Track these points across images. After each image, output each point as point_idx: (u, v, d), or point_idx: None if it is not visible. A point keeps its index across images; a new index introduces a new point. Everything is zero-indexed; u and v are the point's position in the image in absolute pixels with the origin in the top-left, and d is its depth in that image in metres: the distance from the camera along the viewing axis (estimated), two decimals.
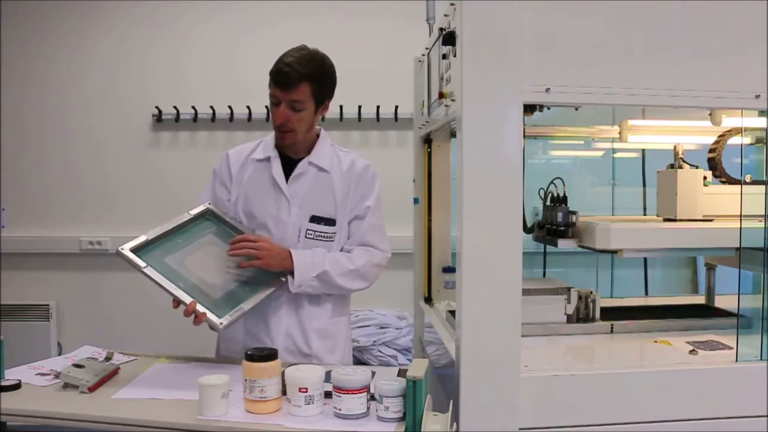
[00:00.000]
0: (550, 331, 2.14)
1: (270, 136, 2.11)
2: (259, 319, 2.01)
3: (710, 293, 2.53)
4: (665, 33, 1.77)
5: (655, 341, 2.06)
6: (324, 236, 2.03)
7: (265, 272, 1.96)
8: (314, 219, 2.02)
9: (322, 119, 2.09)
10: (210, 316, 1.78)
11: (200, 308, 1.77)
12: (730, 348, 1.91)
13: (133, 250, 1.81)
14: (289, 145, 2.02)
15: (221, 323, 1.78)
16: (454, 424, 1.58)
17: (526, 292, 1.72)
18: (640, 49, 1.76)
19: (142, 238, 1.84)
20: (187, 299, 1.77)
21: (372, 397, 1.52)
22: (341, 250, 2.06)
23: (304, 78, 1.92)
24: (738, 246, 1.93)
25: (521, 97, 1.67)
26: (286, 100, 1.94)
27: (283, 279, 1.97)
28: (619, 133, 2.45)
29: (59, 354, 3.56)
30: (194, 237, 1.96)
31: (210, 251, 1.95)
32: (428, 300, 2.76)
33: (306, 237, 2.01)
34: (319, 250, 2.00)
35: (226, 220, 2.03)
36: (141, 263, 1.78)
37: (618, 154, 3.20)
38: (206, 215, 2.03)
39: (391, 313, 3.71)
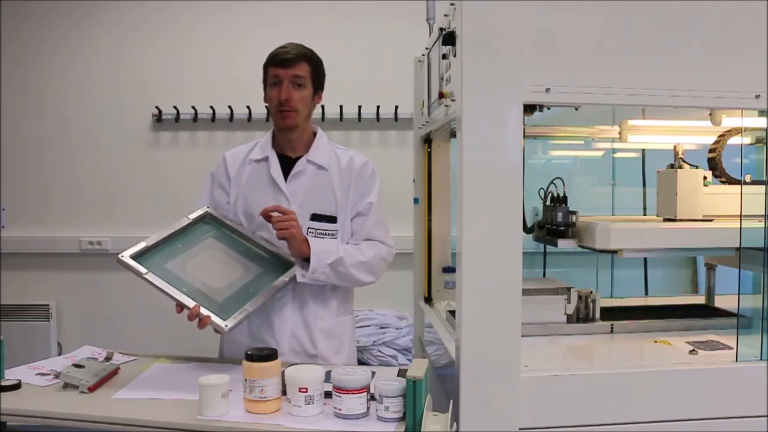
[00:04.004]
0: (550, 331, 2.14)
1: (266, 137, 2.11)
2: (263, 321, 2.00)
3: (710, 293, 2.53)
4: (665, 33, 1.77)
5: (655, 341, 2.06)
6: (326, 233, 2.02)
7: (268, 273, 1.96)
8: (315, 217, 2.02)
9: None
10: (214, 318, 1.77)
11: (204, 311, 1.77)
12: (730, 348, 1.91)
13: (133, 257, 1.80)
14: (291, 126, 2.01)
15: (226, 325, 1.78)
16: (454, 424, 1.58)
17: (526, 292, 1.72)
18: (640, 49, 1.76)
19: (142, 245, 1.84)
20: (190, 303, 1.77)
21: (372, 397, 1.52)
22: None
23: (303, 57, 2.01)
24: (738, 246, 1.93)
25: (521, 97, 1.67)
26: (288, 77, 1.97)
27: (287, 279, 1.96)
28: (619, 133, 2.45)
29: (59, 354, 3.56)
30: (194, 241, 1.95)
31: (211, 255, 1.95)
32: (428, 300, 2.76)
33: (308, 235, 2.00)
34: (332, 240, 2.01)
35: (226, 223, 2.03)
36: (142, 269, 1.78)
37: (618, 154, 3.20)
38: (205, 219, 2.02)
39: (391, 313, 3.71)
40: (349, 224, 2.06)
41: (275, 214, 1.92)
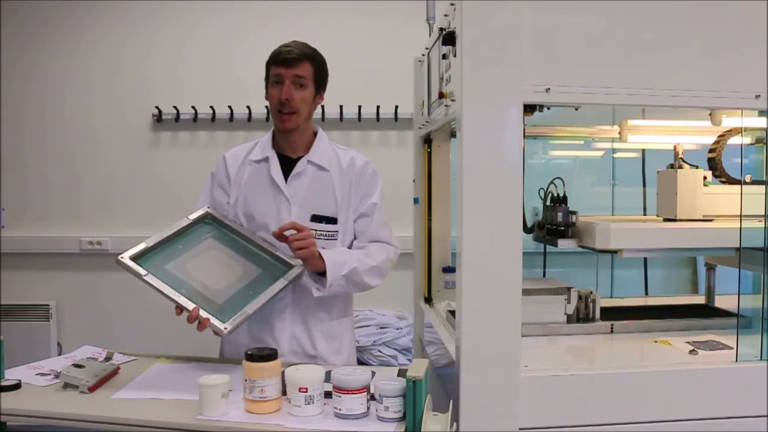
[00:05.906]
0: (550, 331, 2.14)
1: (266, 137, 2.11)
2: (263, 323, 2.00)
3: (710, 293, 2.53)
4: (665, 33, 1.77)
5: (655, 341, 2.06)
6: (326, 235, 2.02)
7: (268, 274, 1.95)
8: (315, 218, 2.01)
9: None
10: (214, 321, 1.77)
11: (203, 314, 1.76)
12: (730, 348, 1.91)
13: (133, 258, 1.80)
14: (291, 129, 2.00)
15: (225, 328, 1.77)
16: (454, 424, 1.58)
17: (526, 292, 1.72)
18: (640, 49, 1.76)
19: (142, 246, 1.83)
20: (190, 305, 1.76)
21: (372, 397, 1.52)
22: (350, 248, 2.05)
23: (306, 57, 1.99)
24: (738, 246, 1.93)
25: (521, 97, 1.67)
26: (290, 76, 1.96)
27: (287, 281, 1.95)
28: (619, 133, 2.45)
29: (59, 354, 3.57)
30: (194, 242, 1.95)
31: (211, 255, 1.94)
32: (428, 300, 2.76)
33: None
34: (342, 248, 2.00)
35: (226, 224, 2.02)
36: (141, 271, 1.77)
37: (618, 154, 3.20)
38: (205, 219, 2.02)
39: (391, 313, 3.71)
40: (351, 225, 2.06)
41: (290, 232, 1.89)
